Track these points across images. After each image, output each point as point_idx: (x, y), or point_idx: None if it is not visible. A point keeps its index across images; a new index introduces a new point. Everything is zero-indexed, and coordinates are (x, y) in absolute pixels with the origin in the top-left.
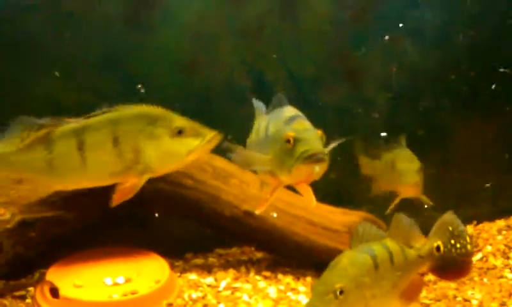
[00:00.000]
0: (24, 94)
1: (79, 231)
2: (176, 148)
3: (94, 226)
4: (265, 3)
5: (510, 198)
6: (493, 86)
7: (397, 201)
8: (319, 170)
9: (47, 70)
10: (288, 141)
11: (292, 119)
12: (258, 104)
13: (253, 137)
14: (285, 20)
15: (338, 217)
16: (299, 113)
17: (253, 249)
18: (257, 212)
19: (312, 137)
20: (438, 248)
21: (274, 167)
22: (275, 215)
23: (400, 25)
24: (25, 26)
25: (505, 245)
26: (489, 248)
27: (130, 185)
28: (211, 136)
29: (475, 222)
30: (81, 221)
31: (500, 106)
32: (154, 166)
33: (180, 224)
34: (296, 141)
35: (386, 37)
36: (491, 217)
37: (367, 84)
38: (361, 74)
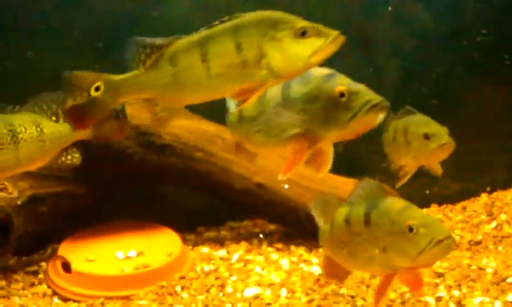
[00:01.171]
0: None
1: (90, 206)
2: (301, 49)
3: (105, 200)
4: None
5: None
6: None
7: (413, 170)
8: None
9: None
10: (342, 95)
11: (330, 76)
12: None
13: (253, 108)
14: None
15: (351, 187)
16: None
17: (265, 221)
18: (280, 177)
19: (365, 88)
20: None
21: (316, 126)
22: (287, 186)
23: None
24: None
25: None
26: (503, 216)
27: (254, 88)
28: (335, 35)
29: (489, 189)
30: (92, 196)
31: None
32: (280, 69)
33: (191, 198)
34: (352, 93)
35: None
36: (506, 185)
37: (379, 52)
38: (373, 42)
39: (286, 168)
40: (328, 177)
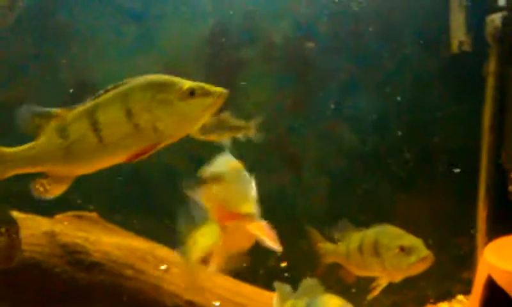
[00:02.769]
0: None
1: None
2: (192, 108)
3: None
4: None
5: (452, 281)
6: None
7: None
8: None
9: None
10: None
11: None
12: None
13: None
14: (225, 110)
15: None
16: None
17: None
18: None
19: None
20: None
21: None
22: (218, 304)
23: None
24: None
25: None
26: None
27: (148, 149)
28: (220, 92)
29: (415, 305)
30: None
31: (439, 188)
32: (174, 130)
33: None
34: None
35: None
36: (434, 299)
37: (306, 170)
38: (301, 160)
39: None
40: (264, 294)
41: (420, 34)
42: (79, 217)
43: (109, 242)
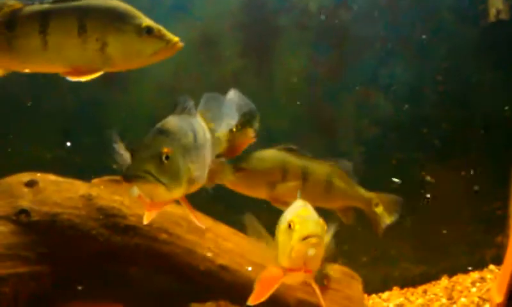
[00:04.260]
0: None
1: (53, 287)
2: (143, 46)
3: (69, 282)
4: (240, 60)
5: (484, 250)
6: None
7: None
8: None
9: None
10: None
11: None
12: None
13: None
14: (259, 77)
15: None
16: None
17: (228, 302)
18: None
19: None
20: None
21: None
22: (250, 269)
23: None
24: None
25: (480, 298)
26: (463, 300)
27: (87, 70)
28: (175, 41)
29: (449, 272)
30: (56, 277)
31: (473, 159)
32: (117, 61)
33: (155, 279)
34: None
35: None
36: (466, 269)
37: (341, 138)
38: (335, 128)
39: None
40: None
41: (457, 2)
42: (115, 181)
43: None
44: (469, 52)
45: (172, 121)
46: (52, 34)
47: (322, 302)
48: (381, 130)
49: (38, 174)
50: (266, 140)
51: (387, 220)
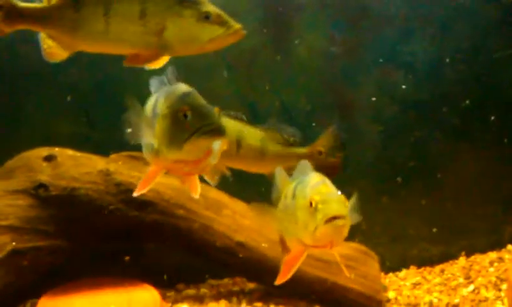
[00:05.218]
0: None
1: (71, 261)
2: (200, 32)
3: (86, 255)
4: (259, 37)
5: (502, 230)
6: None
7: None
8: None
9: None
10: (185, 116)
11: (185, 94)
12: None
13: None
14: (278, 54)
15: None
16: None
17: (244, 279)
18: (135, 194)
19: (210, 112)
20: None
21: (161, 144)
22: (267, 245)
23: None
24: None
25: (497, 277)
26: (481, 280)
27: (142, 56)
28: (236, 28)
29: (466, 252)
30: (73, 251)
31: (492, 137)
32: (174, 45)
33: (172, 254)
34: (194, 115)
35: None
36: (484, 249)
37: (360, 116)
38: (354, 106)
39: (140, 187)
40: None
41: None
42: (133, 157)
43: (161, 181)
44: (490, 30)
45: (184, 86)
46: (114, 17)
47: (345, 270)
48: (400, 108)
49: (56, 149)
50: (283, 119)
51: (337, 158)
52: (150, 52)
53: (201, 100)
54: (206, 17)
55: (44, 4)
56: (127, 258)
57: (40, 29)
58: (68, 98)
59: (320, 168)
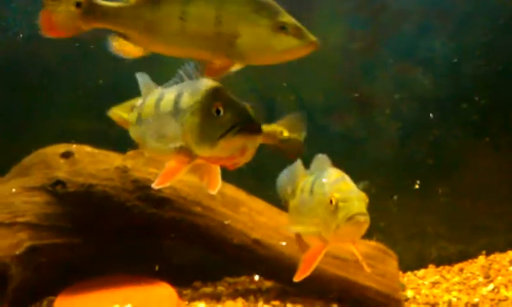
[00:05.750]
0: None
1: (88, 258)
2: (275, 42)
3: (103, 253)
4: None
5: None
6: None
7: None
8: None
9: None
10: (217, 111)
11: (215, 89)
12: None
13: (151, 111)
14: None
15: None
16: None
17: (261, 277)
18: (154, 186)
19: (244, 108)
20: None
21: (191, 141)
22: (284, 243)
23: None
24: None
25: None
26: (500, 279)
27: (218, 66)
28: (311, 40)
29: (486, 251)
30: (90, 248)
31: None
32: (248, 55)
33: (189, 252)
34: (227, 111)
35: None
36: (503, 248)
37: (377, 113)
38: (372, 103)
39: (160, 181)
40: None
41: None
42: None
43: (178, 179)
44: (510, 25)
45: (209, 81)
46: (190, 21)
47: (365, 266)
48: (419, 105)
49: (74, 146)
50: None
51: (299, 137)
52: (222, 61)
53: (233, 96)
54: (282, 27)
55: (122, 3)
56: (157, 267)
57: (117, 28)
58: (85, 94)
59: (280, 149)
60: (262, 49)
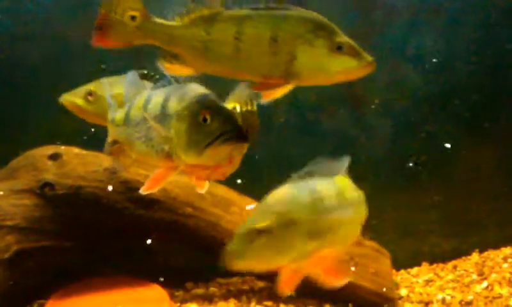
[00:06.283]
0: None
1: (78, 261)
2: (331, 63)
3: (93, 255)
4: None
5: None
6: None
7: None
8: (237, 154)
9: None
10: (204, 119)
11: (203, 96)
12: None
13: (139, 113)
14: None
15: None
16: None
17: (254, 278)
18: (142, 191)
19: (231, 116)
20: None
21: (177, 147)
22: None
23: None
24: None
25: (511, 274)
26: (494, 276)
27: (274, 83)
28: (368, 61)
29: (479, 248)
30: (80, 250)
31: (504, 131)
32: (303, 75)
33: (180, 253)
34: (214, 119)
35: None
36: (497, 245)
37: (369, 110)
38: (363, 100)
39: (148, 186)
40: None
41: None
42: None
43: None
44: (501, 22)
45: (196, 86)
46: (245, 42)
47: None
48: (410, 101)
49: (62, 147)
50: (292, 113)
51: (251, 108)
52: (276, 80)
53: (220, 103)
54: (339, 48)
55: (176, 22)
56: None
57: (170, 47)
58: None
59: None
60: (318, 70)
